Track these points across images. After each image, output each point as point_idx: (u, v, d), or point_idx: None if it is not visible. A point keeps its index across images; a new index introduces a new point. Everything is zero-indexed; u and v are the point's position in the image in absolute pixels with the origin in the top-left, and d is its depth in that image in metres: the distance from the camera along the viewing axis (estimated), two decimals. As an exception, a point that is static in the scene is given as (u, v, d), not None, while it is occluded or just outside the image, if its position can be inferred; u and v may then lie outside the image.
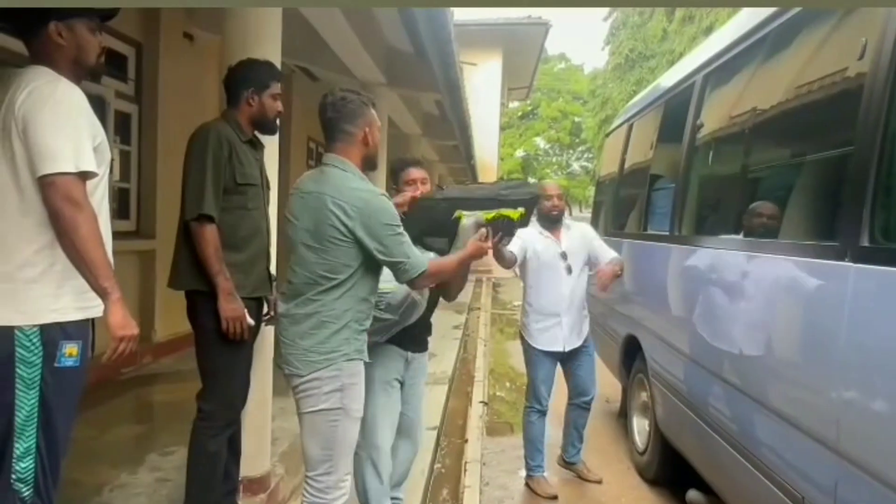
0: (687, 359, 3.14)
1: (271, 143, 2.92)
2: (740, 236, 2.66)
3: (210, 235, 2.37)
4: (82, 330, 1.81)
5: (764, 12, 2.70)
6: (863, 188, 1.80)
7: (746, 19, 3.00)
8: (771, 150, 2.70)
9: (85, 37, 1.86)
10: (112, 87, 4.96)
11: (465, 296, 13.51)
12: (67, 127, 1.72)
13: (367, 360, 2.15)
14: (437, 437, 4.40)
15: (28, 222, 1.73)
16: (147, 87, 5.37)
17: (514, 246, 3.34)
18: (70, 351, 1.77)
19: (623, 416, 4.74)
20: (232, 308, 2.38)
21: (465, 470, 3.90)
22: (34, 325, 1.72)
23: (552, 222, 3.59)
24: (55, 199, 1.68)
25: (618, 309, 4.52)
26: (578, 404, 3.76)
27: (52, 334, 1.74)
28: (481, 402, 5.43)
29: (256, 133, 2.65)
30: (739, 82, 3.01)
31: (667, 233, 3.54)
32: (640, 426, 4.13)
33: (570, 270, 3.55)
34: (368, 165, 2.19)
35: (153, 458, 3.36)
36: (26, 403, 1.72)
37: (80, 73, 1.90)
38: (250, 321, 2.44)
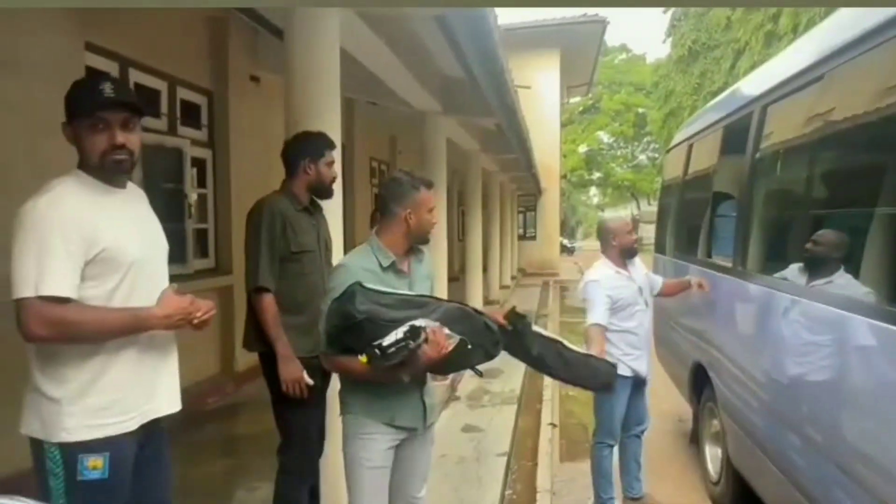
0: (758, 401, 3.08)
1: (335, 199, 3.08)
2: (802, 282, 2.60)
3: (267, 304, 2.57)
4: (110, 443, 1.75)
5: (830, 40, 2.62)
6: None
7: (809, 46, 2.93)
8: (834, 192, 2.63)
9: (83, 136, 1.75)
10: (188, 137, 5.30)
11: (531, 303, 13.46)
12: (32, 248, 1.64)
13: (382, 419, 2.16)
14: (507, 462, 4.46)
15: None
16: (219, 131, 5.71)
17: (602, 305, 3.35)
18: (93, 464, 1.73)
19: (695, 440, 4.66)
20: (289, 371, 2.56)
21: (536, 500, 3.95)
22: (53, 442, 1.71)
23: (630, 256, 3.56)
24: (23, 323, 1.64)
25: (685, 334, 4.45)
26: (636, 434, 3.75)
27: (70, 449, 1.71)
28: (550, 423, 5.45)
29: (314, 198, 2.80)
30: (803, 115, 2.93)
31: (730, 265, 3.48)
32: (712, 454, 4.06)
33: (647, 304, 3.57)
34: (414, 242, 2.23)
35: (241, 495, 3.60)
36: None
37: (95, 172, 1.79)
38: (308, 381, 2.60)
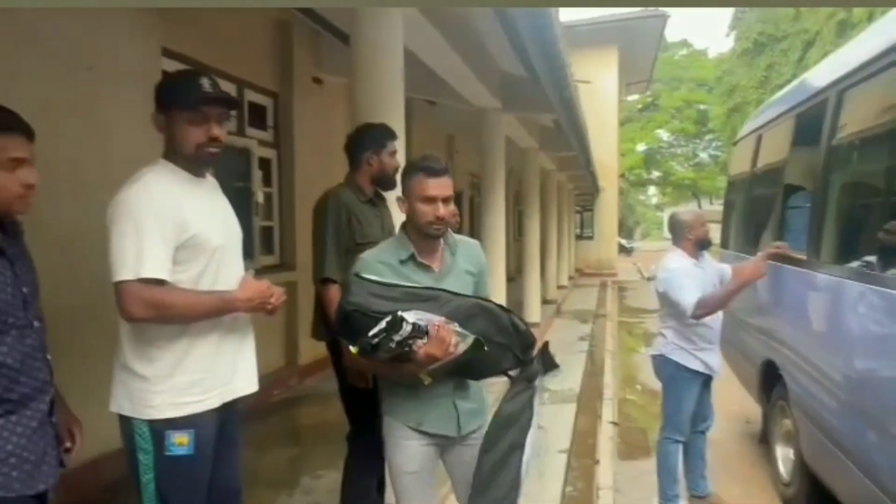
0: (836, 398, 2.95)
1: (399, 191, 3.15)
2: (884, 271, 2.48)
3: (333, 295, 2.61)
4: (194, 420, 1.81)
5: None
6: None
7: (889, 26, 2.80)
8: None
9: (180, 127, 1.81)
10: (255, 138, 5.49)
11: (589, 303, 13.28)
12: (130, 233, 1.70)
13: (409, 423, 2.01)
14: (567, 459, 4.43)
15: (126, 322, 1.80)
16: (283, 132, 5.88)
17: (689, 288, 3.27)
18: (179, 440, 1.78)
19: (764, 441, 4.50)
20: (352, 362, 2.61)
21: (598, 496, 3.91)
22: (142, 419, 1.78)
23: (704, 248, 3.51)
24: (124, 305, 1.71)
25: (754, 331, 4.31)
26: (701, 431, 3.67)
27: (158, 425, 1.78)
28: (611, 422, 5.38)
29: (378, 189, 2.85)
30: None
31: (804, 257, 3.35)
32: (783, 455, 3.91)
33: None
34: (418, 232, 1.99)
35: (306, 481, 3.71)
36: (148, 486, 1.81)
37: (183, 163, 1.84)
38: None
